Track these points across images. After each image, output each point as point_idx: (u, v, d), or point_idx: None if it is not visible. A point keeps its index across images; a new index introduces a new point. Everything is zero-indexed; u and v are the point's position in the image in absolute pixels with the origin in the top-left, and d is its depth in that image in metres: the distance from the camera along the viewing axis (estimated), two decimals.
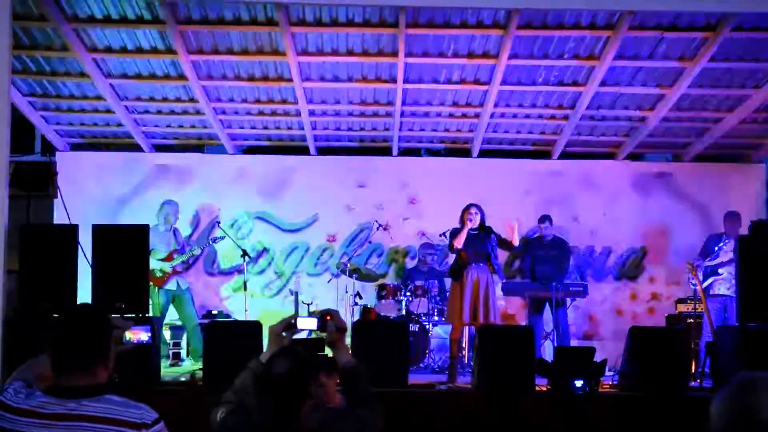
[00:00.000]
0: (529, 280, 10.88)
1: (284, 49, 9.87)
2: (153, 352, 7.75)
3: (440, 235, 10.69)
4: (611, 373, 8.69)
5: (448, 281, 11.21)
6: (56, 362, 2.94)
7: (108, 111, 11.53)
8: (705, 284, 9.81)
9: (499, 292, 10.09)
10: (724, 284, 9.84)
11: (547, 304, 10.48)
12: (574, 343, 11.14)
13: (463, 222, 9.36)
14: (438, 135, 12.40)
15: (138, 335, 3.74)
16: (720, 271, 9.89)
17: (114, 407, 2.85)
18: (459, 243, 9.26)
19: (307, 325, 3.79)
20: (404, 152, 12.85)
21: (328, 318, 3.71)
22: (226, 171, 12.49)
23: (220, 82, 10.80)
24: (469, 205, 9.46)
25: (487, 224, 9.49)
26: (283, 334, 3.70)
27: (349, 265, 11.18)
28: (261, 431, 3.35)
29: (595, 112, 11.40)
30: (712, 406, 2.09)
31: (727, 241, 9.96)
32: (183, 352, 10.64)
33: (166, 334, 10.50)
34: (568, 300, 10.75)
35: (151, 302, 9.37)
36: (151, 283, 9.42)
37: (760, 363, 7.33)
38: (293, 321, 3.74)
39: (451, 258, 9.91)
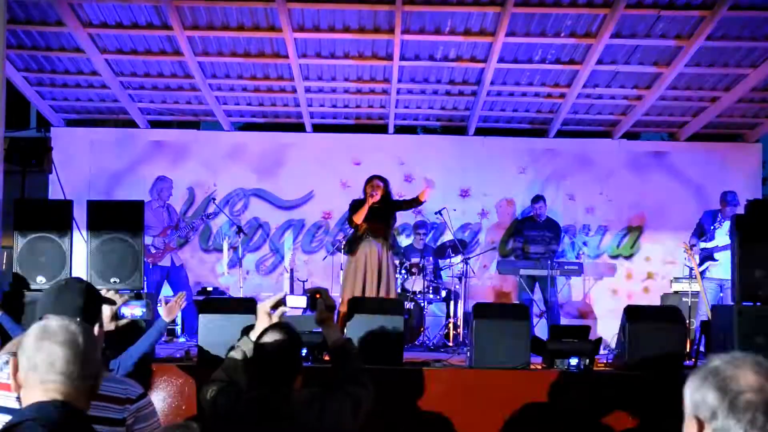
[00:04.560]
0: (521, 259, 10.93)
1: (281, 25, 9.83)
2: (148, 327, 7.72)
3: (436, 213, 10.71)
4: (606, 351, 8.70)
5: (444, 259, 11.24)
6: None
7: (103, 86, 11.49)
8: (701, 268, 9.76)
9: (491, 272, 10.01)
10: (720, 268, 9.79)
11: (538, 283, 10.53)
12: (568, 321, 11.16)
13: (366, 195, 9.21)
14: (434, 113, 12.37)
15: (133, 310, 3.74)
16: (716, 256, 9.84)
17: None
18: (359, 219, 9.06)
19: (296, 303, 3.79)
20: (400, 130, 12.82)
21: (318, 296, 3.71)
22: (221, 147, 12.46)
23: (216, 58, 10.76)
24: (372, 177, 9.21)
25: (392, 197, 9.32)
26: (272, 312, 3.70)
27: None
28: (251, 408, 3.35)
29: (591, 90, 11.37)
30: (690, 392, 2.07)
31: (723, 221, 9.93)
32: (178, 329, 10.63)
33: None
34: (563, 278, 10.77)
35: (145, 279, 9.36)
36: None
37: (755, 342, 7.35)
38: (283, 299, 3.74)
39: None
